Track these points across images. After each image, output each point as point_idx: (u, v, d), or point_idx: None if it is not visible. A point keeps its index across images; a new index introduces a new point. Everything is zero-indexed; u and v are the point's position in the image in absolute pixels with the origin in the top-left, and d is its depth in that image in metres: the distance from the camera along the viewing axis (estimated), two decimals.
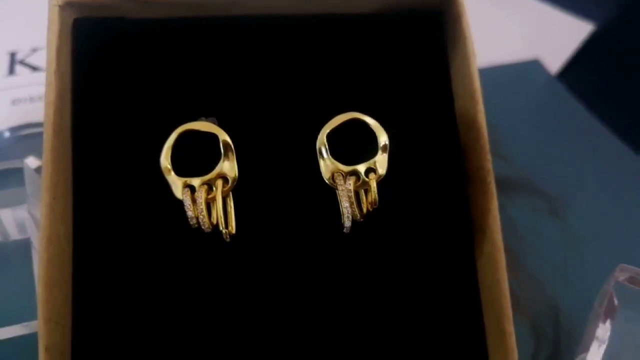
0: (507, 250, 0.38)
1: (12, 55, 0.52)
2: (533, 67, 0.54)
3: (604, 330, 0.30)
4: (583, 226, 0.40)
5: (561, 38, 0.57)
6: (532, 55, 0.55)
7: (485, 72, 0.52)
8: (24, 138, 0.42)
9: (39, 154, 0.41)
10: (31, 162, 0.39)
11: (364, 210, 0.28)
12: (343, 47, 0.30)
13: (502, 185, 0.43)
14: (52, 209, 0.26)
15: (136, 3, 0.29)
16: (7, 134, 0.42)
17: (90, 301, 0.27)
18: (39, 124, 0.43)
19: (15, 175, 0.34)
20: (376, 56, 0.30)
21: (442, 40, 0.31)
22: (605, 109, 0.51)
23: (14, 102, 0.47)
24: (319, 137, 0.28)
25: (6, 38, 0.53)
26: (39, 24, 0.54)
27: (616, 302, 0.30)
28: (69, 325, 0.26)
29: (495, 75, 0.53)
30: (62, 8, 0.28)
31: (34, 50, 0.52)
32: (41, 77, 0.51)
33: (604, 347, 0.30)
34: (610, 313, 0.30)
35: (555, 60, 0.55)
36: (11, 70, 0.50)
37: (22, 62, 0.51)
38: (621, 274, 0.29)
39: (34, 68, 0.51)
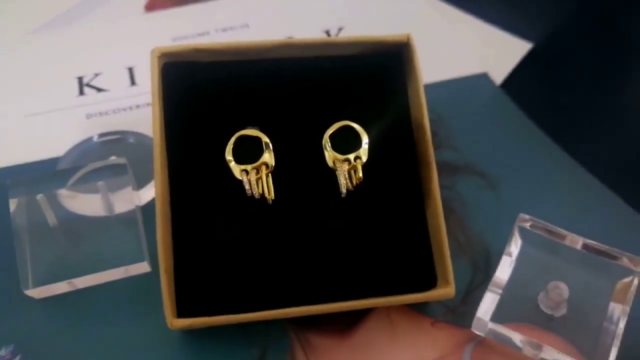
0: (455, 213, 0.53)
1: (80, 79, 0.63)
2: (482, 79, 0.64)
3: (513, 254, 0.45)
4: (511, 196, 0.52)
5: (505, 55, 0.65)
6: (482, 70, 0.64)
7: (443, 85, 0.65)
8: (107, 142, 0.53)
9: (118, 154, 0.53)
10: (114, 160, 0.53)
11: (354, 183, 0.40)
12: (337, 78, 0.43)
13: (453, 169, 0.57)
14: (162, 185, 0.40)
15: (203, 52, 0.42)
16: (95, 138, 0.53)
17: (186, 243, 0.40)
18: (115, 132, 0.55)
19: (118, 169, 0.46)
20: (358, 84, 0.43)
21: (400, 72, 0.43)
22: (540, 111, 0.60)
23: (88, 116, 0.59)
24: (324, 137, 0.40)
25: (74, 66, 0.65)
26: (97, 54, 0.68)
27: (519, 239, 0.45)
28: (173, 258, 0.40)
29: (451, 87, 0.62)
30: (160, 57, 0.42)
31: (96, 75, 0.65)
32: (105, 95, 0.62)
33: (512, 266, 0.44)
34: (515, 245, 0.45)
35: (500, 73, 0.64)
36: (81, 91, 0.62)
37: (88, 85, 0.63)
38: (520, 221, 0.45)
39: (99, 89, 0.63)
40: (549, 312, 0.42)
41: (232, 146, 0.40)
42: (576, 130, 0.61)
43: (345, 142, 0.41)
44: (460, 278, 0.47)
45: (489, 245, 0.49)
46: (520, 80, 0.64)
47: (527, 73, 0.64)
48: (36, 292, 0.44)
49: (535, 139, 0.59)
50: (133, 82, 0.64)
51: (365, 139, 0.41)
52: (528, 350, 0.39)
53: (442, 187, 0.56)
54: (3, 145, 0.57)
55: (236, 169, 0.40)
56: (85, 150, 0.54)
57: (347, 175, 0.40)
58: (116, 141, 0.55)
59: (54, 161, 0.54)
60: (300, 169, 0.41)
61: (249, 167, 0.40)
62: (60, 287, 0.45)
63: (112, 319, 0.43)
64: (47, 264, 0.45)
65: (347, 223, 0.41)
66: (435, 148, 0.57)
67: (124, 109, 0.61)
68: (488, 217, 0.51)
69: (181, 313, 0.39)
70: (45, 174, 0.49)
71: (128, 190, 0.46)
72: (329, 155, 0.41)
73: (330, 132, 0.41)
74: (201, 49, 0.42)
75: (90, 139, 0.54)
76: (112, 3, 0.73)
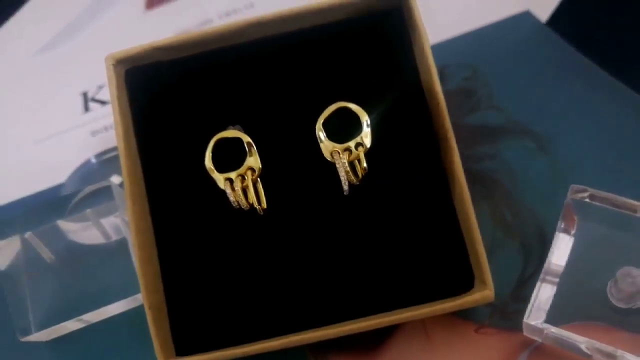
0: (501, 187, 0.45)
1: (84, 95, 0.60)
2: (524, 18, 0.56)
3: (568, 236, 0.36)
4: (569, 158, 0.44)
5: None
6: (522, 8, 0.56)
7: (476, 34, 0.57)
8: (107, 161, 0.50)
9: (120, 172, 0.50)
10: (115, 179, 0.49)
11: (359, 175, 0.35)
12: (326, 50, 0.37)
13: (496, 132, 0.49)
14: (135, 212, 0.35)
15: (164, 50, 0.37)
16: (93, 160, 0.50)
17: (173, 271, 0.36)
18: (114, 148, 0.53)
19: (105, 192, 0.43)
20: (352, 52, 0.37)
21: (402, 31, 0.37)
22: (594, 47, 0.53)
23: (93, 133, 0.56)
24: (317, 125, 0.35)
25: (78, 82, 0.62)
26: (99, 65, 0.64)
27: (575, 215, 0.36)
28: (162, 290, 0.36)
29: (486, 35, 0.55)
30: (115, 65, 0.37)
31: (100, 87, 0.61)
32: (109, 108, 0.61)
33: (570, 249, 0.36)
34: (570, 224, 0.36)
35: (545, 9, 0.55)
36: (86, 108, 0.59)
37: (93, 99, 0.60)
38: (574, 193, 0.36)
39: (103, 102, 0.59)
40: (621, 305, 0.33)
41: (211, 152, 0.35)
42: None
43: (343, 128, 0.35)
44: (510, 267, 0.39)
45: (542, 224, 0.42)
46: (570, 14, 0.56)
47: (577, 3, 0.56)
48: (44, 335, 0.41)
49: (595, 79, 0.49)
50: None
51: (365, 120, 0.35)
52: (599, 359, 0.31)
53: (483, 156, 0.47)
54: (12, 177, 0.55)
55: (219, 178, 0.35)
56: (85, 173, 0.50)
57: (348, 168, 0.34)
58: (117, 158, 0.50)
59: (59, 188, 0.51)
60: (293, 169, 0.36)
61: (233, 174, 0.35)
62: (68, 326, 0.42)
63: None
64: (48, 303, 0.42)
65: (356, 225, 0.36)
66: (473, 110, 0.49)
67: None
68: (541, 188, 0.43)
69: (180, 350, 0.35)
70: (40, 206, 0.46)
71: (116, 216, 0.41)
72: (325, 146, 0.35)
73: (323, 118, 0.35)
74: (161, 47, 0.36)
75: (88, 160, 0.51)
76: (111, 8, 0.69)
